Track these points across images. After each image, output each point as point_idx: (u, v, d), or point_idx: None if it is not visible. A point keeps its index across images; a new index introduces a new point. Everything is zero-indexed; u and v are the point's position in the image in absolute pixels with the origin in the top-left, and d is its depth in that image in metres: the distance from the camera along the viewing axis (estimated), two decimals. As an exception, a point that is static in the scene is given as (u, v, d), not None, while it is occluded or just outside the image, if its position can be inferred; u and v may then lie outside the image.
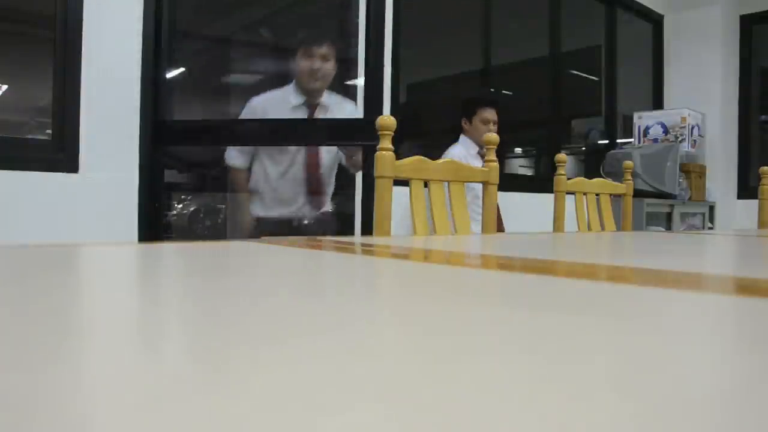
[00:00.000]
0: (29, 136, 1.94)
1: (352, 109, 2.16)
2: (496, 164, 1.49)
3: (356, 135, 2.13)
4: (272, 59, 2.65)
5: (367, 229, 2.18)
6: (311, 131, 2.21)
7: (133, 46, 1.90)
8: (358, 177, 2.49)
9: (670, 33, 4.27)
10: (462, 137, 2.53)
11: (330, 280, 0.39)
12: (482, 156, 2.40)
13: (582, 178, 1.87)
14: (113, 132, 1.86)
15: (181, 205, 2.77)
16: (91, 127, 1.80)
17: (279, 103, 2.03)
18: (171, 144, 2.08)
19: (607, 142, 4.00)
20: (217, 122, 2.30)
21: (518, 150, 4.18)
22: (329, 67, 2.05)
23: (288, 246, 0.66)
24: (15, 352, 0.18)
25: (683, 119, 3.68)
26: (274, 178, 2.06)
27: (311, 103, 2.04)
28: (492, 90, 3.32)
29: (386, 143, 1.24)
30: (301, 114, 2.04)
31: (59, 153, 1.77)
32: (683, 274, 0.46)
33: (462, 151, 2.46)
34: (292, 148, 2.06)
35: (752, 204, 2.36)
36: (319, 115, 2.06)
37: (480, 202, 1.98)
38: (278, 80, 2.38)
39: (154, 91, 1.95)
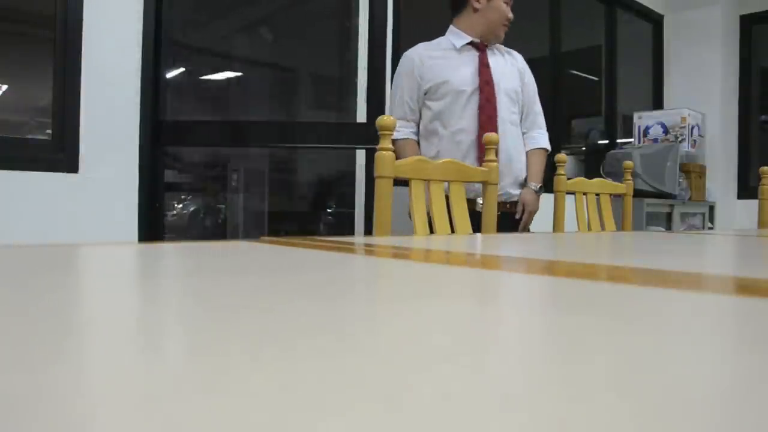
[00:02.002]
0: (29, 136, 1.94)
1: (520, 58, 1.92)
2: (496, 164, 1.49)
3: (359, 138, 2.11)
4: (272, 58, 2.65)
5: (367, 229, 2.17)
6: (313, 132, 2.20)
7: (133, 46, 1.90)
8: (359, 177, 2.49)
9: (670, 33, 4.27)
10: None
11: (329, 280, 0.39)
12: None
13: (582, 178, 1.87)
14: (113, 132, 1.86)
15: (181, 205, 2.77)
16: (91, 127, 1.80)
17: (437, 48, 1.80)
18: (171, 144, 2.08)
19: (607, 142, 4.00)
20: (216, 123, 2.29)
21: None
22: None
23: (287, 246, 0.66)
24: (15, 352, 0.18)
25: (683, 119, 3.68)
26: (465, 148, 1.75)
27: (483, 45, 1.81)
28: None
29: (386, 143, 1.24)
30: (470, 55, 1.78)
31: (59, 153, 1.77)
32: (683, 274, 0.46)
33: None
34: (460, 109, 1.74)
35: (752, 204, 2.36)
36: (488, 55, 1.82)
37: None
38: (283, 80, 2.38)
39: (154, 91, 1.95)
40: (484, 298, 0.34)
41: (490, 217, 1.49)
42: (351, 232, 2.45)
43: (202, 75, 2.54)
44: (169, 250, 0.64)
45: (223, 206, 2.86)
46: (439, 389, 0.15)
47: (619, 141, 4.07)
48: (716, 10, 4.02)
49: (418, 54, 1.78)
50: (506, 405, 0.14)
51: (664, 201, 3.37)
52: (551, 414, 0.13)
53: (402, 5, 2.61)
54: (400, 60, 1.83)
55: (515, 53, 1.92)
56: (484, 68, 1.77)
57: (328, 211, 2.86)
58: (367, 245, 0.72)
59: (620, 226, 2.02)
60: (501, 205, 1.71)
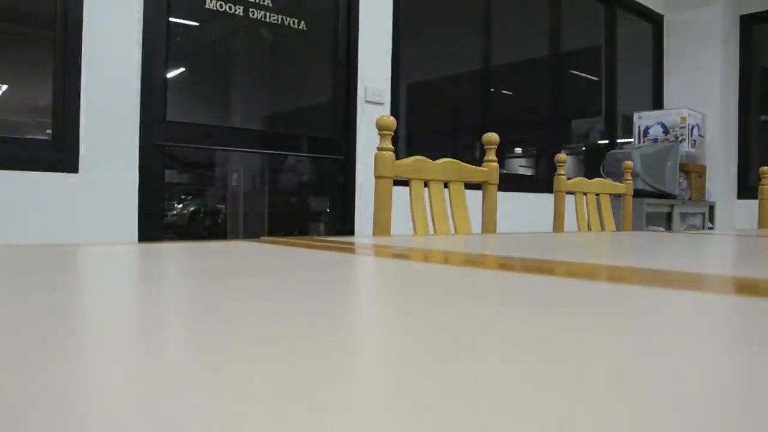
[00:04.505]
0: (29, 136, 1.94)
1: None
2: (496, 164, 1.49)
3: (331, 150, 2.66)
4: (272, 58, 2.65)
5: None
6: (297, 143, 2.64)
7: (133, 46, 1.90)
8: (358, 178, 2.49)
9: (670, 33, 4.27)
10: None
11: (329, 280, 0.39)
12: None
13: (582, 178, 1.87)
14: (113, 132, 1.86)
15: (181, 205, 2.77)
16: (91, 127, 1.80)
17: None
18: (171, 144, 2.08)
19: (607, 142, 4.01)
20: (217, 128, 2.33)
21: (518, 150, 4.18)
22: None
23: (287, 246, 0.66)
24: (15, 352, 0.18)
25: (683, 119, 3.68)
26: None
27: None
28: (491, 90, 3.31)
29: (386, 143, 1.24)
30: None
31: (59, 153, 1.77)
32: (683, 274, 0.46)
33: None
34: None
35: (752, 204, 2.36)
36: None
37: None
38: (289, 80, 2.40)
39: (154, 91, 1.95)
40: (484, 298, 0.34)
41: (490, 217, 1.49)
42: (346, 232, 2.45)
43: (203, 75, 2.54)
44: (169, 250, 0.64)
45: (223, 206, 2.87)
46: (439, 389, 0.15)
47: (619, 141, 4.08)
48: (716, 10, 4.02)
49: None
50: (506, 405, 0.14)
51: (664, 201, 3.37)
52: (551, 414, 0.13)
53: (401, 9, 2.61)
54: None
55: None
56: None
57: (328, 211, 2.87)
58: (367, 245, 0.72)
59: (620, 226, 2.02)
60: None
